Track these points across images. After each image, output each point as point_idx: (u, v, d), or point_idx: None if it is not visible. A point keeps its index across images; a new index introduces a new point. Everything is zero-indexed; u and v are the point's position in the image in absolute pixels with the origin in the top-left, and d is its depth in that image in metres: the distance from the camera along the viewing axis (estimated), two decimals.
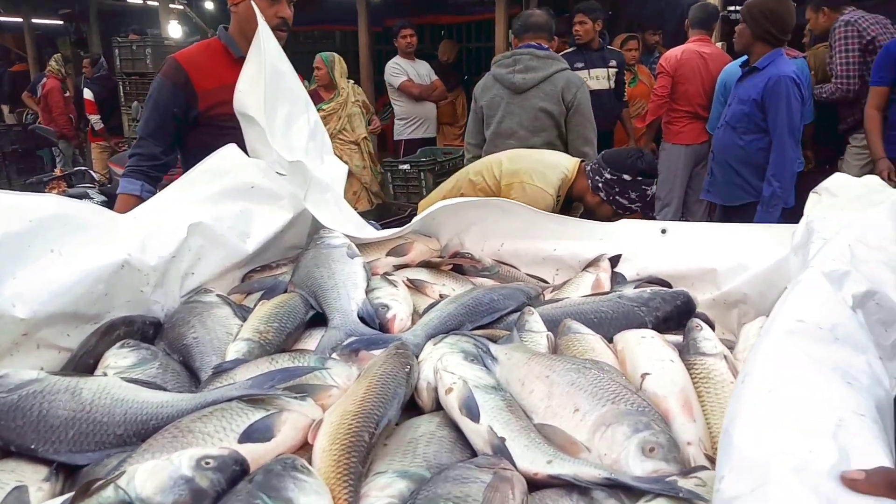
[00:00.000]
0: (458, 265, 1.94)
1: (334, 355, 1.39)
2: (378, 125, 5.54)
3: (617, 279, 1.78)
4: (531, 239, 1.97)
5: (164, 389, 1.25)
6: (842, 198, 1.56)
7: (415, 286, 1.80)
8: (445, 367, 1.23)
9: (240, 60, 2.04)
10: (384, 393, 1.16)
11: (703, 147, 4.55)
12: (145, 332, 1.50)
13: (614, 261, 1.84)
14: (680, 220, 4.55)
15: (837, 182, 1.61)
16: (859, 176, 1.68)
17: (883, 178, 3.74)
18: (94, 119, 7.87)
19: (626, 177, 2.30)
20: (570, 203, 2.60)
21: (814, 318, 0.96)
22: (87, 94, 7.95)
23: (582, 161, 2.60)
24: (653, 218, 2.75)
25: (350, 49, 9.69)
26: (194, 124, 2.53)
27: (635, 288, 1.67)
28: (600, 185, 2.37)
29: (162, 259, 1.56)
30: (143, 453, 1.01)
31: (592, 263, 1.82)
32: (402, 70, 5.93)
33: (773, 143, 3.35)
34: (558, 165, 2.54)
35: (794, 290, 1.04)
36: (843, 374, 0.87)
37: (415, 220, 2.00)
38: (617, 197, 2.34)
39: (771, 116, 3.34)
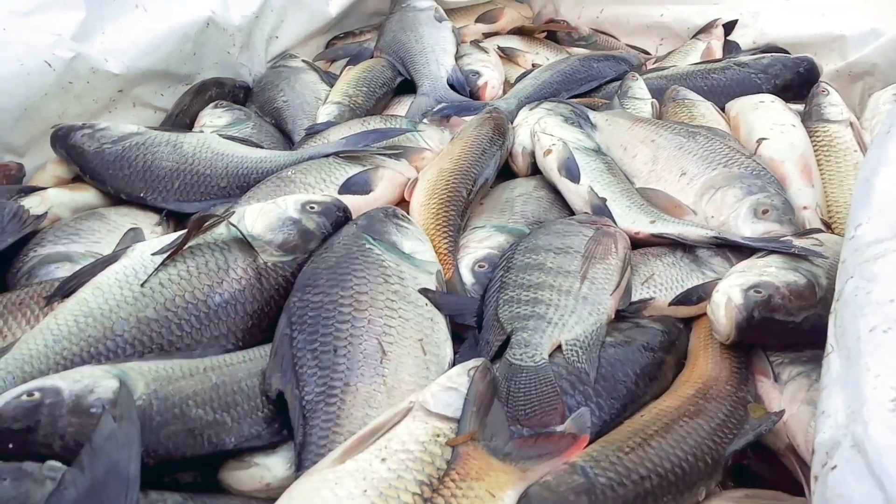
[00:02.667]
0: (552, 32, 1.80)
1: (425, 120, 1.35)
2: None
3: (731, 48, 1.61)
4: (634, 3, 1.78)
5: (261, 147, 1.25)
6: None
7: (505, 55, 1.69)
8: (544, 129, 1.18)
9: None
10: (480, 152, 1.13)
11: None
12: (236, 94, 1.49)
13: (729, 27, 1.65)
14: None
15: None
16: None
17: None
18: None
19: None
20: None
21: None
22: None
23: None
24: None
25: None
26: None
27: (752, 55, 1.51)
28: None
29: (245, 18, 1.50)
30: (249, 199, 1.04)
31: (704, 30, 1.65)
32: None
33: None
34: None
35: None
36: None
37: None
38: None
39: None
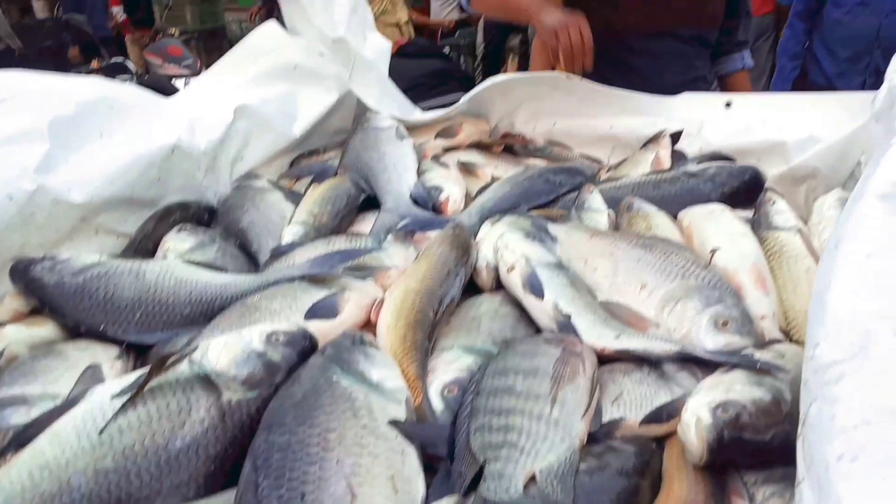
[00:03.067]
0: (510, 146, 1.87)
1: (390, 237, 1.37)
2: None
3: (678, 157, 1.70)
4: (585, 117, 1.88)
5: (226, 271, 1.25)
6: None
7: (466, 168, 1.74)
8: (506, 245, 1.20)
9: None
10: (445, 271, 1.14)
11: (764, 19, 4.25)
12: (200, 216, 1.50)
13: (675, 137, 1.74)
14: None
15: None
16: None
17: None
18: (116, 10, 7.64)
19: None
20: None
21: None
22: None
23: None
24: None
25: None
26: None
27: (699, 164, 1.59)
28: None
29: (211, 143, 1.54)
30: (213, 330, 1.02)
31: (652, 140, 1.73)
32: None
33: None
34: None
35: (887, 154, 0.96)
36: None
37: (462, 100, 1.92)
38: None
39: None
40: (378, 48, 1.96)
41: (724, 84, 2.21)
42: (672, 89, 1.84)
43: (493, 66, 5.01)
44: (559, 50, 1.51)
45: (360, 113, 1.85)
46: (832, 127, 1.58)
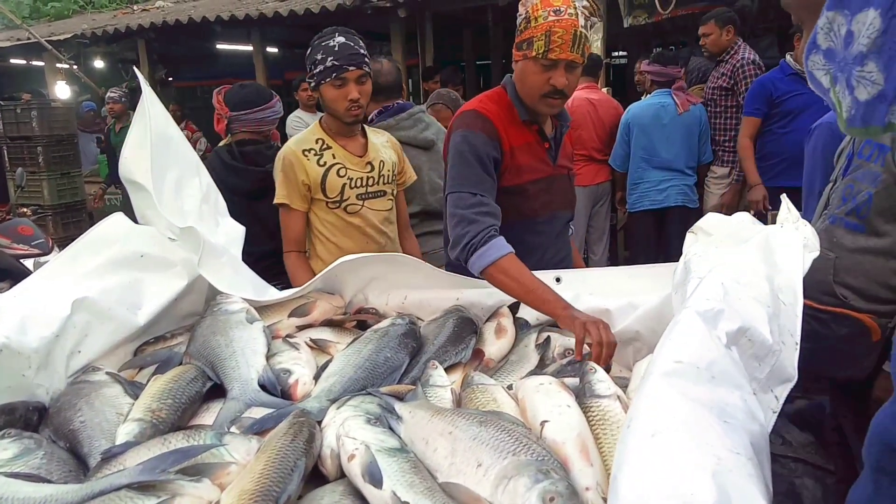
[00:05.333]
0: (363, 321, 1.93)
1: (233, 428, 1.34)
2: None
3: (520, 323, 1.83)
4: (434, 289, 1.99)
5: (49, 481, 1.17)
6: (716, 236, 1.66)
7: (318, 346, 1.77)
8: (347, 432, 1.22)
9: (528, 122, 2.05)
10: (283, 467, 1.13)
11: (600, 187, 4.76)
12: (28, 418, 1.41)
13: (514, 307, 1.88)
14: (583, 256, 4.74)
15: (711, 221, 1.72)
16: (719, 202, 1.79)
17: (756, 206, 4.04)
18: None
19: None
20: None
21: (691, 359, 1.01)
22: None
23: None
24: None
25: None
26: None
27: (535, 329, 1.72)
28: None
29: (44, 340, 1.48)
30: None
31: (494, 313, 1.86)
32: (303, 123, 5.92)
33: None
34: None
35: (672, 331, 1.10)
36: (719, 413, 0.92)
37: (315, 278, 1.98)
38: None
39: None
40: (231, 233, 2.02)
41: None
42: (554, 264, 2.09)
43: None
44: (584, 341, 1.57)
45: (212, 296, 1.86)
46: (647, 294, 1.77)
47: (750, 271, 1.33)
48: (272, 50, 9.66)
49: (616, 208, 4.93)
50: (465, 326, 1.78)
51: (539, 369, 1.64)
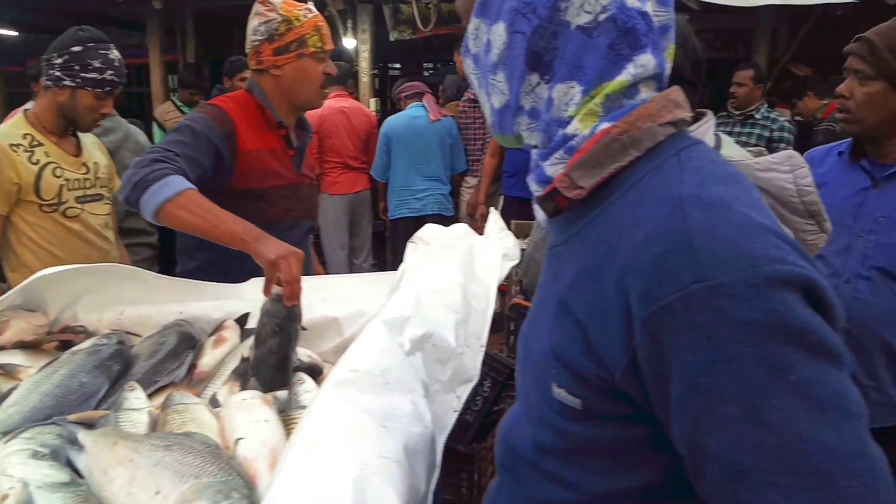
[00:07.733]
0: (67, 342, 1.74)
1: None
2: None
3: (247, 334, 1.76)
4: (153, 303, 1.85)
5: None
6: (433, 245, 1.75)
7: (7, 373, 1.56)
8: (4, 470, 1.08)
9: (278, 126, 2.04)
10: None
11: (359, 195, 4.82)
12: None
13: (242, 320, 1.82)
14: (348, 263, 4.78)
15: (430, 231, 1.81)
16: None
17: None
18: None
19: None
20: None
21: (367, 367, 1.04)
22: None
23: None
24: None
25: None
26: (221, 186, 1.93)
27: None
28: None
29: None
30: None
31: (219, 326, 1.78)
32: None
33: None
34: None
35: (356, 342, 1.12)
36: (383, 419, 0.95)
37: (10, 292, 1.75)
38: None
39: None
40: None
41: None
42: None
43: None
44: (275, 279, 1.47)
45: None
46: (377, 301, 1.81)
47: (447, 279, 1.42)
48: (9, 33, 8.50)
49: (380, 217, 5.03)
50: (183, 343, 1.68)
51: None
